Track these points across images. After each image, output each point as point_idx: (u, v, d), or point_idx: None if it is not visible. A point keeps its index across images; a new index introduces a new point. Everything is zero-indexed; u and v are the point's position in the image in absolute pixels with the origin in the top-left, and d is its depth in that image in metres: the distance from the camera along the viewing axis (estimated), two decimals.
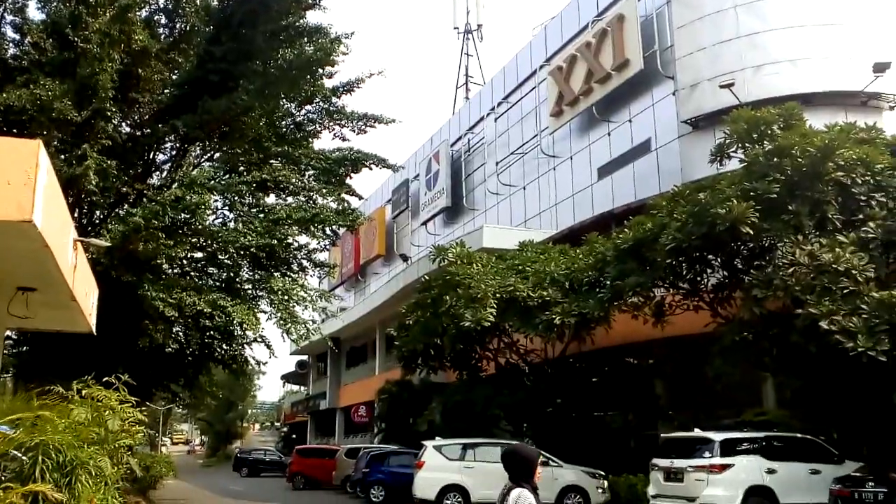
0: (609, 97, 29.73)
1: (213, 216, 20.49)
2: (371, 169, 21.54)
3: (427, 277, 22.42)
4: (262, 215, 20.17)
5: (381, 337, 39.67)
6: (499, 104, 38.91)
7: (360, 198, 23.72)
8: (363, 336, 44.91)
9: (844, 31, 24.67)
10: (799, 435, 14.98)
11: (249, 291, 20.72)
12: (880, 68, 22.92)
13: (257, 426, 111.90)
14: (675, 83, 26.62)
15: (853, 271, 13.17)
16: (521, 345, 21.93)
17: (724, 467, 13.34)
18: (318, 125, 21.10)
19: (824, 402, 16.62)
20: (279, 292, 18.81)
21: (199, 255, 20.58)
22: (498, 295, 18.84)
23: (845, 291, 13.08)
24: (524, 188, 36.23)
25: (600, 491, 18.05)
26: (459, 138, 43.13)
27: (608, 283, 17.55)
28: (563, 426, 21.10)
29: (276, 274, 20.23)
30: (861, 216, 14.72)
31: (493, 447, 18.76)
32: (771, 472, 13.52)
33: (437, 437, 19.39)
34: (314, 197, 21.16)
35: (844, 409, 16.24)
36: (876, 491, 11.70)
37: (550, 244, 22.79)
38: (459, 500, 17.77)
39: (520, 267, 20.41)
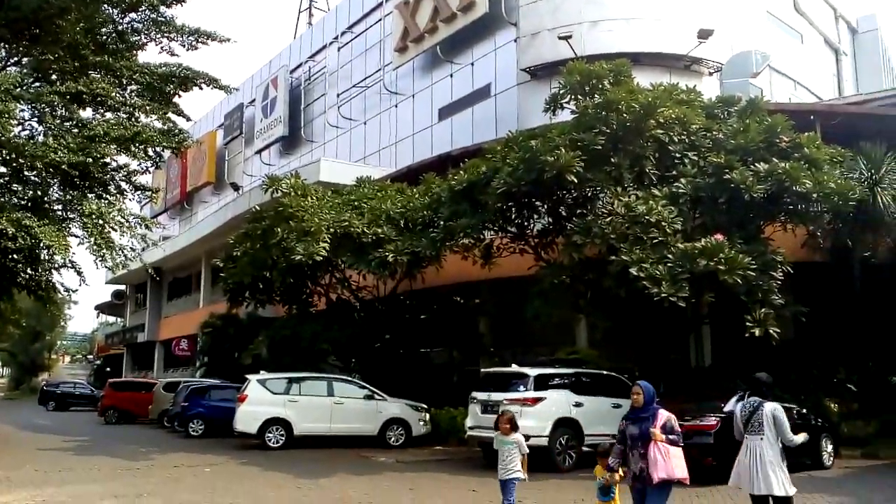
0: (454, 38, 29.74)
1: (20, 127, 18.55)
2: (202, 89, 20.34)
3: (258, 208, 21.68)
4: (76, 130, 18.51)
5: (207, 268, 38.19)
6: (343, 34, 37.85)
7: (189, 119, 22.35)
8: (188, 267, 43.01)
9: None
10: (605, 372, 16.16)
11: (59, 213, 19.08)
12: (704, 34, 24.52)
13: (67, 358, 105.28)
14: (518, 30, 27.07)
15: (663, 223, 14.14)
16: (354, 281, 21.90)
17: (537, 400, 14.14)
18: (143, 36, 19.49)
19: (630, 342, 18.06)
20: (93, 215, 17.44)
21: (1, 169, 18.64)
22: (332, 230, 18.56)
23: (654, 241, 14.03)
24: (365, 123, 35.77)
25: (422, 423, 18.66)
26: (300, 65, 41.65)
27: (441, 223, 17.78)
28: (391, 361, 21.49)
29: (90, 195, 18.74)
30: (675, 172, 15.78)
31: (319, 381, 18.83)
32: (578, 405, 14.52)
33: (261, 371, 19.11)
34: (136, 114, 19.65)
35: (647, 348, 17.73)
36: None
37: (388, 182, 22.72)
38: (282, 433, 17.71)
39: (356, 203, 20.18)
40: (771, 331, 13.75)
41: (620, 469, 7.16)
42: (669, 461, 6.68)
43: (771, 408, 7.35)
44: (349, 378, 19.96)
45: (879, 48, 36.39)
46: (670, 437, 6.81)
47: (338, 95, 37.41)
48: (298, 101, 41.21)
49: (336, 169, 28.09)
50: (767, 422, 7.30)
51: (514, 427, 8.30)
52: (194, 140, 38.05)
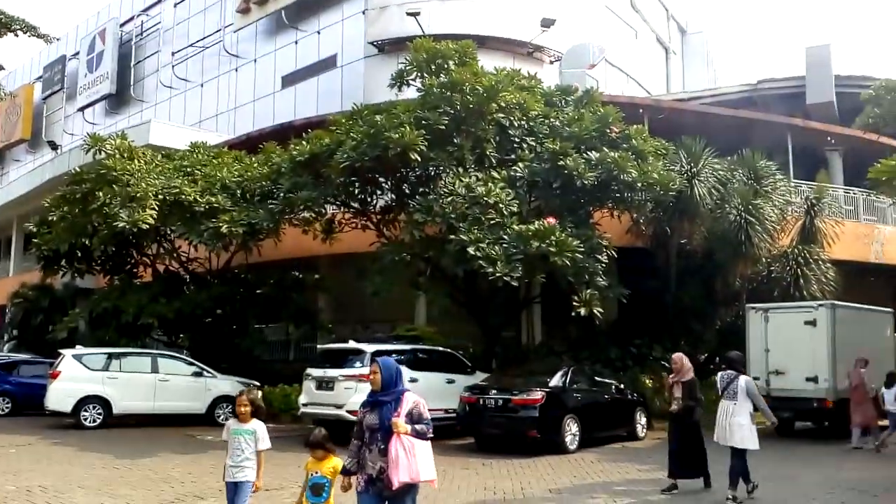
0: (299, 4, 28.89)
1: None
2: (17, 36, 18.39)
3: (79, 169, 19.97)
4: None
5: (19, 233, 34.85)
6: None
7: (2, 69, 20.20)
8: None
9: None
10: (440, 348, 16.46)
11: None
12: (546, 24, 25.35)
13: None
14: (366, 2, 26.69)
15: (500, 205, 14.54)
16: (184, 252, 20.80)
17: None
18: None
19: (466, 319, 18.50)
20: None
21: None
22: (161, 196, 17.45)
23: (492, 222, 14.41)
24: (202, 86, 34.02)
25: None
26: (131, 19, 38.87)
27: (281, 195, 17.23)
28: (223, 337, 20.68)
29: None
30: (513, 156, 16.25)
31: (142, 357, 17.81)
32: (413, 380, 14.61)
33: (78, 346, 17.78)
34: None
35: (482, 325, 18.23)
36: (497, 398, 13.32)
37: (225, 149, 21.68)
38: (100, 411, 16.58)
39: (189, 169, 19.09)
40: (595, 311, 14.57)
41: (353, 474, 5.43)
42: (414, 460, 5.15)
43: (745, 380, 8.97)
44: (176, 354, 19.00)
45: (705, 49, 39.35)
46: (416, 427, 5.27)
47: (173, 54, 35.26)
48: (128, 57, 38.47)
49: (168, 132, 26.47)
50: (741, 390, 8.84)
51: (256, 413, 6.53)
52: (7, 92, 34.58)
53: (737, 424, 8.79)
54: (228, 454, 6.40)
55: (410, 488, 5.24)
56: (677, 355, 9.87)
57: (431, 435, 5.36)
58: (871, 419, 13.67)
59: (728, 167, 18.29)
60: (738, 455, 8.89)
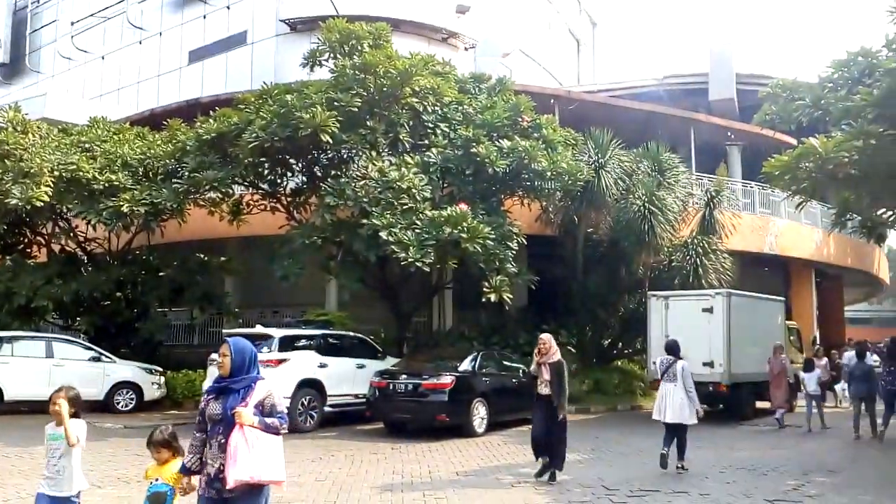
0: None
1: None
2: None
3: None
4: None
5: None
6: None
7: None
8: None
9: None
10: (350, 333, 16.35)
11: None
12: (461, 10, 25.43)
13: None
14: None
15: (413, 190, 14.53)
16: (81, 231, 19.85)
17: (281, 361, 13.89)
18: None
19: (378, 304, 18.45)
20: None
21: None
22: (57, 173, 16.60)
23: (405, 207, 14.39)
24: (103, 58, 32.46)
25: (155, 386, 17.57)
26: None
27: (186, 174, 16.65)
28: (123, 321, 19.89)
29: None
30: (427, 142, 16.25)
31: (35, 341, 16.93)
32: (322, 366, 14.53)
33: None
34: None
35: (393, 310, 18.22)
36: (407, 382, 13.37)
37: (127, 125, 20.76)
38: None
39: (87, 145, 18.20)
40: (505, 297, 14.78)
41: (194, 475, 4.69)
42: (256, 456, 4.37)
43: (682, 364, 9.96)
44: (72, 338, 18.16)
45: (614, 43, 40.41)
46: (266, 420, 4.51)
47: (72, 24, 33.44)
48: (23, 24, 36.29)
49: (66, 105, 25.18)
50: (680, 374, 9.86)
51: (77, 411, 5.21)
52: None
53: (679, 404, 9.77)
54: (47, 464, 5.23)
55: (253, 490, 4.43)
56: (545, 336, 9.66)
57: (285, 430, 4.63)
58: (787, 402, 14.97)
59: (634, 159, 18.85)
60: (682, 430, 9.92)
